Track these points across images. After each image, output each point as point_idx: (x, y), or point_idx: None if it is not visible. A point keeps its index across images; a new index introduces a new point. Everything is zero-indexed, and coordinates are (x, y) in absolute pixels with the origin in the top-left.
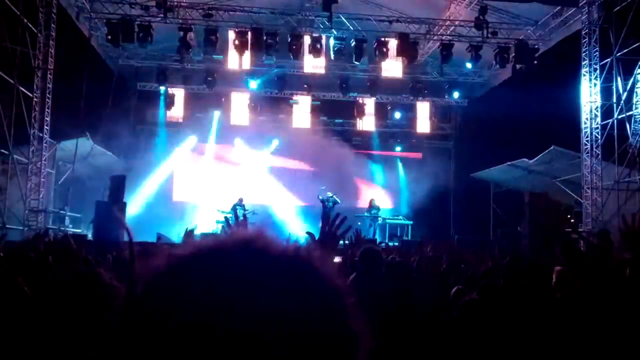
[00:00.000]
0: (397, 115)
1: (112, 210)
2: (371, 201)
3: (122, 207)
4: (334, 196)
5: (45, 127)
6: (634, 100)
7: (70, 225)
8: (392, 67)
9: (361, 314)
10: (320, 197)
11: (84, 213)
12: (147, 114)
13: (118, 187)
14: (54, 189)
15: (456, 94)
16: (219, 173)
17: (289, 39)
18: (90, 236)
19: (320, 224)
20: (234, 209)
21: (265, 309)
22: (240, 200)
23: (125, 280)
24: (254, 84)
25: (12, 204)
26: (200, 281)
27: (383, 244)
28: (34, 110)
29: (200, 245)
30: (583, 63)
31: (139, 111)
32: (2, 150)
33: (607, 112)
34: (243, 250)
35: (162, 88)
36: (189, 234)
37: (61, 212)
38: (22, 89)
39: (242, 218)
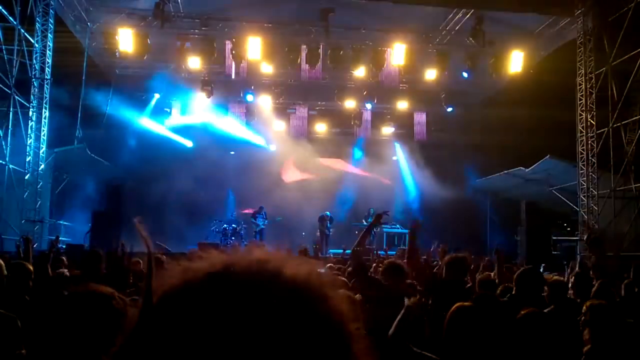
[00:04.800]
0: (394, 124)
1: (133, 221)
2: (369, 210)
3: (120, 217)
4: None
5: (42, 136)
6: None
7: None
8: (389, 76)
9: (365, 339)
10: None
11: (80, 223)
12: (144, 123)
13: (115, 197)
14: (50, 198)
15: (453, 103)
16: (216, 181)
17: (286, 49)
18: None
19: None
20: (253, 216)
21: (275, 333)
22: (261, 208)
23: (142, 292)
24: (250, 97)
25: (9, 214)
26: (213, 301)
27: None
28: (30, 120)
29: (216, 262)
30: (578, 72)
31: (136, 120)
32: (0, 161)
33: (602, 120)
34: (256, 273)
35: (159, 97)
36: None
37: (57, 222)
38: (19, 99)
39: (263, 226)
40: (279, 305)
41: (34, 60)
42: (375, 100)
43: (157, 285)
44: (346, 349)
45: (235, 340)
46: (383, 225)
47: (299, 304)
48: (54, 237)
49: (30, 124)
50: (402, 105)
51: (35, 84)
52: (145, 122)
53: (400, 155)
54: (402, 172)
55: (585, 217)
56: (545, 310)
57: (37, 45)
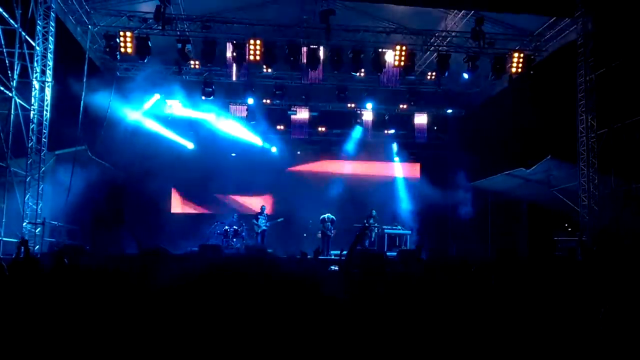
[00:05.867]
0: (395, 125)
1: (125, 221)
2: (370, 212)
3: (122, 218)
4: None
5: (43, 139)
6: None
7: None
8: (390, 78)
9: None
10: (321, 217)
11: (81, 225)
12: (145, 125)
13: (116, 198)
14: (52, 200)
15: (453, 104)
16: (217, 183)
17: (287, 51)
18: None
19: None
20: (255, 217)
21: (270, 320)
22: (263, 208)
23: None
24: (251, 100)
25: (10, 216)
26: (211, 294)
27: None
28: (31, 122)
29: (213, 260)
30: (579, 73)
31: (137, 122)
32: (0, 163)
33: (603, 121)
34: (253, 266)
35: (160, 98)
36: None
37: (59, 224)
38: (20, 102)
39: (265, 227)
40: (276, 293)
41: (35, 63)
42: (376, 102)
43: (154, 283)
44: (338, 333)
45: (235, 328)
46: (383, 228)
47: (294, 293)
48: (54, 240)
49: (31, 127)
50: (402, 106)
51: (37, 87)
52: (146, 124)
53: (400, 157)
54: (402, 173)
55: (586, 217)
56: None
57: (38, 48)
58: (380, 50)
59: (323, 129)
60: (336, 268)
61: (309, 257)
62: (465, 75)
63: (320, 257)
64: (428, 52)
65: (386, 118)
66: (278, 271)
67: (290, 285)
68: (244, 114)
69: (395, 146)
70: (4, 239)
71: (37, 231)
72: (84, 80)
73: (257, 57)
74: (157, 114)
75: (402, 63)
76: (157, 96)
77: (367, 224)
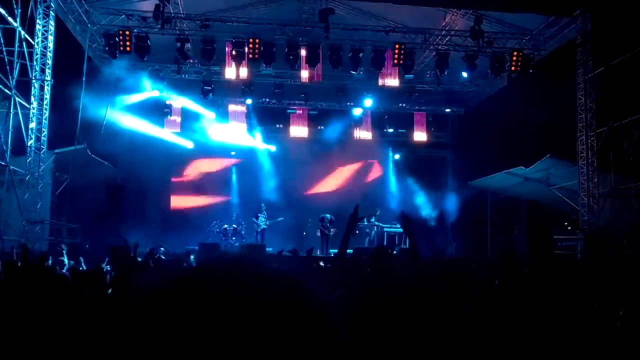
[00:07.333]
0: (394, 124)
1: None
2: (375, 211)
3: (119, 218)
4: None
5: (43, 137)
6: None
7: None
8: (389, 77)
9: (343, 325)
10: (321, 216)
11: (81, 223)
12: (144, 124)
13: (115, 197)
14: (51, 199)
15: (452, 103)
16: (214, 181)
17: (286, 50)
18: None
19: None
20: (255, 216)
21: (257, 314)
22: (262, 207)
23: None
24: (249, 100)
25: (9, 215)
26: (196, 293)
27: None
28: (31, 121)
29: (199, 259)
30: (578, 71)
31: (136, 121)
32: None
33: (602, 119)
34: (240, 263)
35: (159, 97)
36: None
37: (58, 222)
38: (20, 100)
39: (265, 226)
40: (262, 291)
41: (35, 62)
42: (375, 101)
43: (139, 283)
44: (326, 334)
45: (221, 328)
46: (382, 227)
47: (281, 290)
48: (53, 238)
49: (30, 125)
50: (402, 105)
51: (36, 85)
52: (145, 123)
53: (400, 155)
54: (402, 172)
55: (586, 216)
56: None
57: (37, 46)
58: (379, 48)
59: (322, 127)
60: (322, 264)
61: (300, 254)
62: (465, 74)
63: (319, 256)
64: (427, 51)
65: (385, 117)
66: (259, 269)
67: (270, 282)
68: (243, 112)
69: (394, 145)
70: (4, 237)
71: (36, 230)
72: (83, 79)
73: (256, 56)
74: (156, 113)
75: (401, 62)
76: (156, 95)
77: (367, 223)
